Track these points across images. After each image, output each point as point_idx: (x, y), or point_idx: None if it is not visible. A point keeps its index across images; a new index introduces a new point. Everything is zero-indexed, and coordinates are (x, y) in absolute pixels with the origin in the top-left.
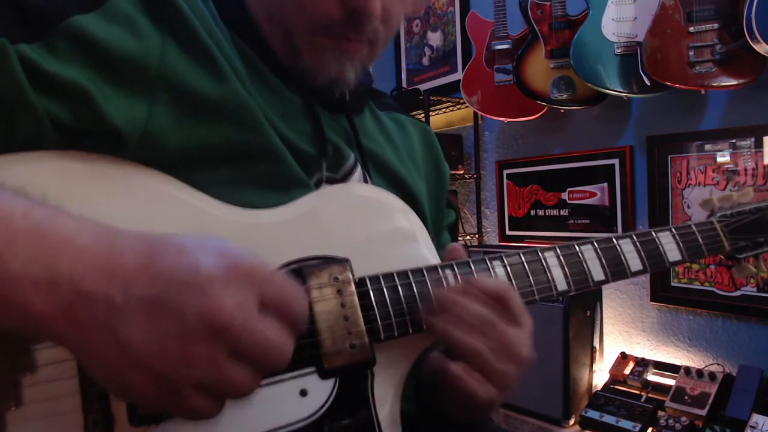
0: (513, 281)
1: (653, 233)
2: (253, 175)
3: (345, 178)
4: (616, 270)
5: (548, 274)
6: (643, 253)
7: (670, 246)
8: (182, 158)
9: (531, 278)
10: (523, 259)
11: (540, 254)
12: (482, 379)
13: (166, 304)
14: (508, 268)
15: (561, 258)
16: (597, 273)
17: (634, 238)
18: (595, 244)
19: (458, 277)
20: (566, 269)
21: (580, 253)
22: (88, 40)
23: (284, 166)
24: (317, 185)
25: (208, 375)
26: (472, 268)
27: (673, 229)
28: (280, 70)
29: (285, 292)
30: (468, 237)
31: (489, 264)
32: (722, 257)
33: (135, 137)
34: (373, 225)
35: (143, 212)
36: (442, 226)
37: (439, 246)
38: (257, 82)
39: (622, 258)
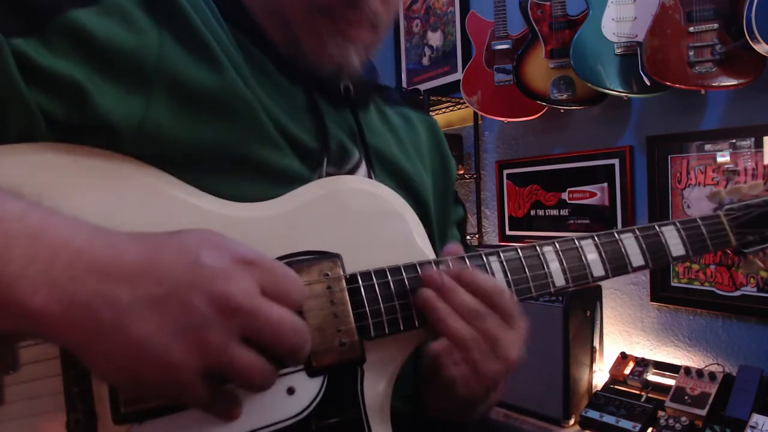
0: (509, 276)
1: (657, 227)
2: (253, 171)
3: (349, 174)
4: (617, 265)
5: (546, 269)
6: (645, 248)
7: (674, 241)
8: (180, 154)
9: (528, 273)
10: (521, 254)
11: (538, 249)
12: (463, 368)
13: (175, 299)
14: (505, 264)
15: (560, 253)
16: (597, 269)
17: (637, 232)
18: (596, 239)
19: None
20: (565, 264)
21: (579, 248)
22: (83, 35)
23: (284, 161)
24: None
25: (221, 361)
26: (468, 263)
27: (678, 223)
28: (283, 63)
29: (285, 281)
30: (468, 237)
31: (485, 259)
32: (729, 252)
33: (130, 133)
34: (367, 218)
35: (133, 206)
36: (449, 223)
37: (447, 243)
38: (258, 76)
39: (624, 252)
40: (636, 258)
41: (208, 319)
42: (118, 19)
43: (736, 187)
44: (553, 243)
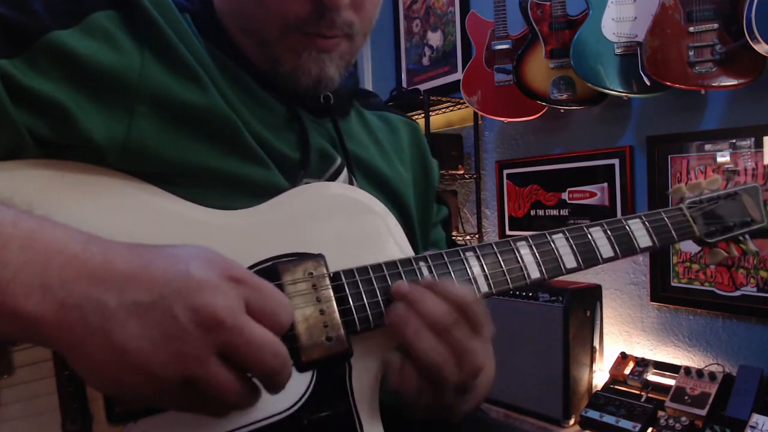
0: (486, 270)
1: (623, 220)
2: (237, 186)
3: (330, 180)
4: (588, 257)
5: (521, 263)
6: (613, 240)
7: (640, 232)
8: (165, 171)
9: (504, 267)
10: (496, 249)
11: (512, 243)
12: (428, 386)
13: (159, 308)
14: (482, 259)
15: (533, 247)
16: (569, 261)
17: (605, 226)
18: (567, 233)
19: (432, 269)
20: (539, 258)
21: (552, 242)
22: (67, 55)
23: (267, 176)
24: None
25: (196, 374)
26: (446, 259)
27: (643, 216)
28: (263, 80)
29: (273, 302)
30: (468, 237)
31: (462, 255)
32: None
33: (115, 151)
34: (347, 222)
35: (120, 218)
36: (431, 223)
37: (430, 243)
38: (239, 92)
39: (594, 245)
40: (605, 249)
41: (188, 331)
42: (100, 40)
43: (696, 183)
44: (526, 238)
